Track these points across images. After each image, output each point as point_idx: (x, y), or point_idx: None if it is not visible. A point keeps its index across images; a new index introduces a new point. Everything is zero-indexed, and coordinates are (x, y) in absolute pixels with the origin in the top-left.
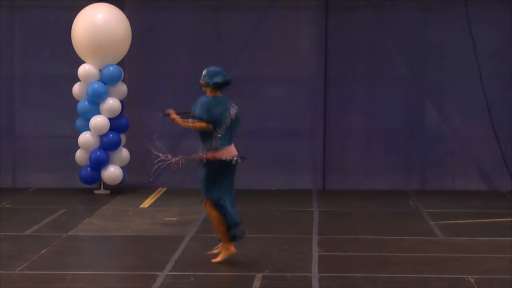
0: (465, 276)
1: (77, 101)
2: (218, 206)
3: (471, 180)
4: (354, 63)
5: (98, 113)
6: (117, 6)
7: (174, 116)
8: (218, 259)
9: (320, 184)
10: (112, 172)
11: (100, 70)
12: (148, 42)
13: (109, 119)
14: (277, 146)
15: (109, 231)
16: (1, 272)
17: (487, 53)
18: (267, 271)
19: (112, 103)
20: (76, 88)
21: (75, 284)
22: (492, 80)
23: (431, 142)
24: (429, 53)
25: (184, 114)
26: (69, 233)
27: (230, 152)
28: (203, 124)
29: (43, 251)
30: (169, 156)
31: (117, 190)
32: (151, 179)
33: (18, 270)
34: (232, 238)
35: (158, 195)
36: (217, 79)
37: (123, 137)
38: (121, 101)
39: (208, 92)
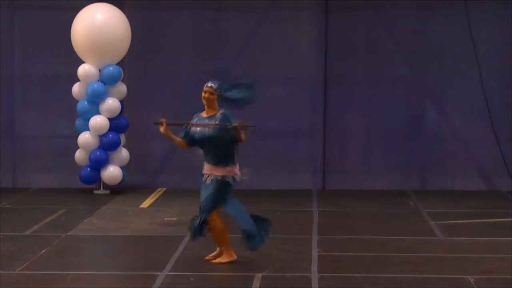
0: (465, 276)
1: (77, 101)
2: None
3: (471, 180)
4: (354, 63)
5: (98, 113)
6: (117, 6)
7: (164, 130)
8: (219, 260)
9: (320, 184)
10: (112, 172)
11: (99, 70)
12: (148, 42)
13: (109, 119)
14: (277, 146)
15: (109, 231)
16: (1, 272)
17: (487, 53)
18: (267, 271)
19: (111, 103)
20: (76, 88)
21: (75, 284)
22: (492, 80)
23: (431, 142)
24: (429, 53)
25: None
26: (69, 233)
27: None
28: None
29: (43, 251)
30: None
31: (117, 190)
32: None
33: (18, 270)
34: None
35: (157, 195)
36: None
37: (122, 137)
38: (121, 101)
39: (216, 103)
